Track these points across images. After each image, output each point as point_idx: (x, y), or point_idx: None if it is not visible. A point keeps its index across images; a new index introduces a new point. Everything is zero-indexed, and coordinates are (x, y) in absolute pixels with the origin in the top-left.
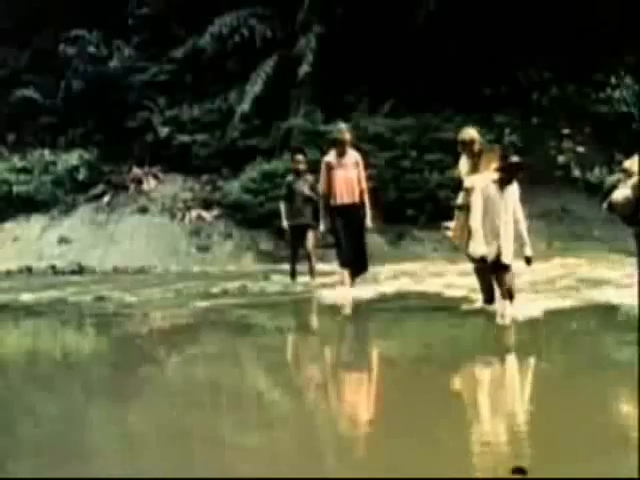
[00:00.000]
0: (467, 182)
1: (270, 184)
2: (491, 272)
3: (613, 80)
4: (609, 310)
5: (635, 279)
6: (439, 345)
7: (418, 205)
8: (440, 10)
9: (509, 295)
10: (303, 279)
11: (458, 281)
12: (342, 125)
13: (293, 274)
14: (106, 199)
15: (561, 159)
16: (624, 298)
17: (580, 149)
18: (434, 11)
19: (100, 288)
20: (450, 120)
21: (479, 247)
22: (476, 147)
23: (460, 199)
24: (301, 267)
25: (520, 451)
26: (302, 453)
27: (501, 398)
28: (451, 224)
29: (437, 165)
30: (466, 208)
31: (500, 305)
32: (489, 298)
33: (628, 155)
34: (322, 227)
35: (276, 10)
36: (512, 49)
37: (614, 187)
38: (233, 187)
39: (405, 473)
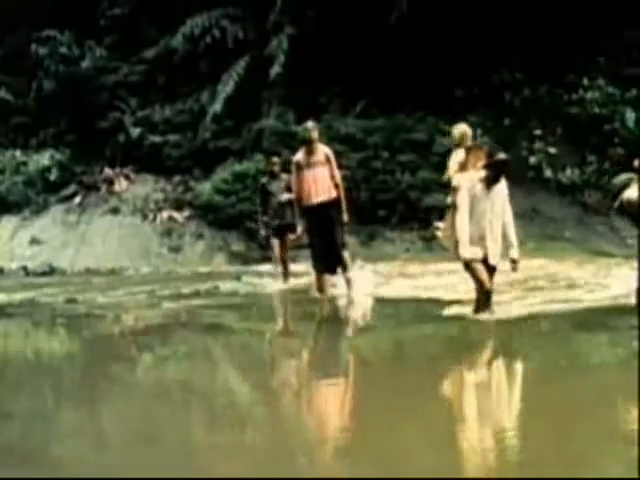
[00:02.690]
0: (454, 180)
1: (242, 185)
2: (482, 267)
3: (585, 81)
4: (582, 310)
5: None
6: (412, 347)
7: (389, 206)
8: (412, 11)
9: (488, 299)
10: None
11: (432, 282)
12: (309, 123)
13: (285, 275)
14: (77, 200)
15: (533, 160)
16: (596, 298)
17: (552, 150)
18: (406, 12)
19: (72, 289)
20: (422, 121)
21: (464, 250)
22: (467, 143)
23: (450, 198)
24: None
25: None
26: (274, 452)
27: (482, 400)
28: (441, 224)
29: (409, 166)
30: (454, 207)
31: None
32: (486, 294)
33: (599, 156)
34: (299, 228)
35: (248, 11)
36: (484, 50)
37: (625, 186)
38: (204, 188)
39: (381, 471)
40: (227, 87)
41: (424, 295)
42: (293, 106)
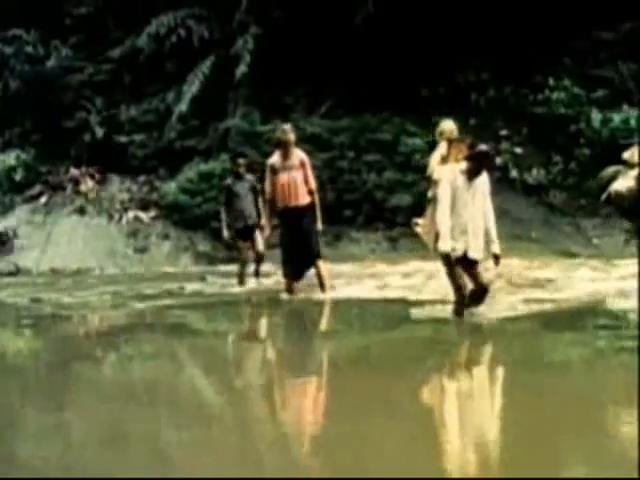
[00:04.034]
0: (435, 173)
1: (207, 185)
2: (462, 269)
3: (551, 82)
4: (550, 310)
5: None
6: (380, 349)
7: (355, 206)
8: (379, 11)
9: (482, 291)
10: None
11: (399, 282)
12: (286, 125)
13: (242, 280)
14: (43, 200)
15: (499, 160)
16: (563, 298)
17: (518, 150)
18: (373, 12)
19: (37, 289)
20: (388, 121)
21: (444, 243)
22: (447, 136)
23: (430, 192)
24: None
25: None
26: (238, 451)
27: (459, 406)
28: (420, 220)
29: (374, 166)
30: (434, 201)
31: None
32: (461, 300)
33: (565, 156)
34: (266, 231)
35: (213, 11)
36: (450, 50)
37: (612, 179)
38: (170, 188)
39: (348, 470)
40: (193, 87)
41: (392, 295)
42: (259, 106)
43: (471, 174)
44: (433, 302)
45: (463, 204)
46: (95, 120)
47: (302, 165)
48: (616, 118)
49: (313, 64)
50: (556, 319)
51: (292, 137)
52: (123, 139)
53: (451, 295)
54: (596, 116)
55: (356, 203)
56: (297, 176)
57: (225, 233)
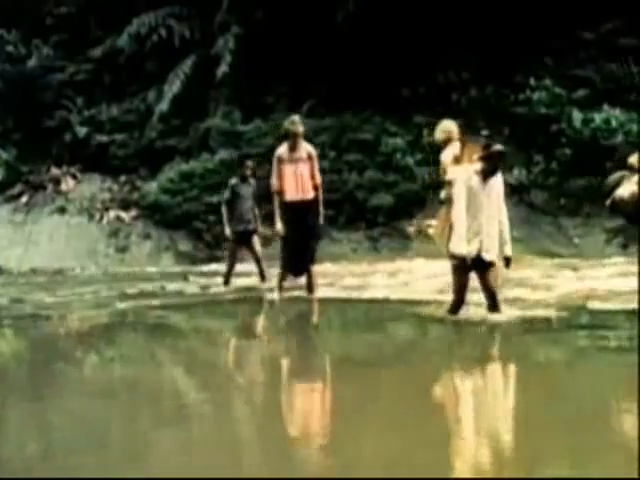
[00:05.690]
0: (449, 174)
1: (188, 184)
2: (469, 273)
3: (532, 82)
4: (531, 311)
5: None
6: (366, 348)
7: (337, 206)
8: (360, 10)
9: (493, 299)
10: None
11: (383, 281)
12: (295, 117)
13: (227, 279)
14: (24, 199)
15: None
16: (543, 297)
17: None
18: (354, 11)
19: (18, 289)
20: (369, 121)
21: (459, 244)
22: (455, 138)
23: (443, 193)
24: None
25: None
26: (220, 452)
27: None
28: (434, 222)
29: (356, 166)
30: (449, 202)
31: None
32: (459, 301)
33: (546, 156)
34: (278, 226)
35: (194, 10)
36: (431, 50)
37: (616, 185)
38: (151, 187)
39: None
40: (173, 86)
41: (378, 295)
42: (240, 105)
43: (486, 174)
44: (420, 302)
45: (479, 205)
46: (76, 120)
47: (309, 158)
48: (597, 118)
49: (294, 64)
50: (538, 319)
51: (300, 129)
52: (104, 139)
53: (439, 294)
54: (577, 116)
55: (337, 203)
56: (304, 169)
57: (227, 230)
